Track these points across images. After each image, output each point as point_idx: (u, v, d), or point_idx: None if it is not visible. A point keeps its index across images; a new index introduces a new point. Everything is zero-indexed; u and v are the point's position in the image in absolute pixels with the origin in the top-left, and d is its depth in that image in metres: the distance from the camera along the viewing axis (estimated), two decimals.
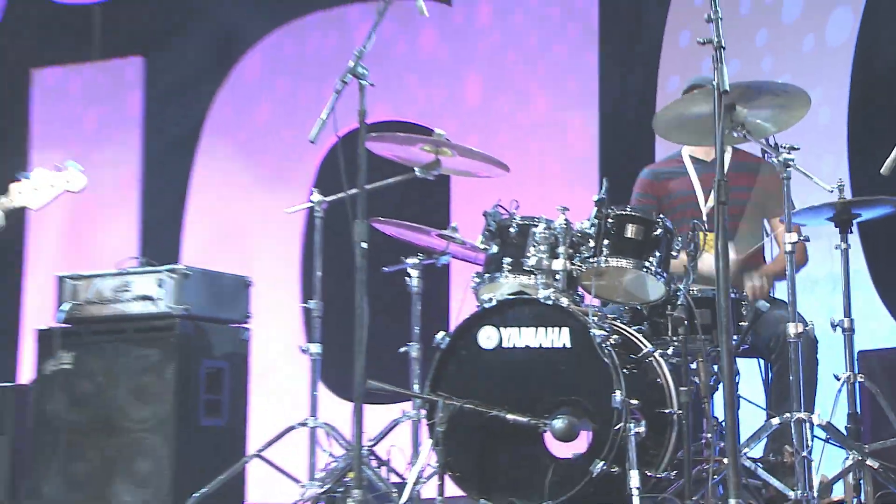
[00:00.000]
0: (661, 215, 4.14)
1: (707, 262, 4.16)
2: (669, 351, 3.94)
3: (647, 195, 4.70)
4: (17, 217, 3.96)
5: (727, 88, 3.35)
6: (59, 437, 4.71)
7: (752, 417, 4.19)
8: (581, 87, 6.39)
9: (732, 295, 3.96)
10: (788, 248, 3.88)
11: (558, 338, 3.79)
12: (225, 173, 7.26)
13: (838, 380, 3.91)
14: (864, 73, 5.66)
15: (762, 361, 4.34)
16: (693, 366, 3.76)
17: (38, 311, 6.62)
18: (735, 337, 3.92)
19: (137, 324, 4.72)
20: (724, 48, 3.37)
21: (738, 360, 4.16)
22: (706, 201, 4.48)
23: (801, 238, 4.06)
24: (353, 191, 3.99)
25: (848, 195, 3.99)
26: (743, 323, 4.03)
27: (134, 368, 4.65)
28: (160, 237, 7.20)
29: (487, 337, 3.91)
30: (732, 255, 4.28)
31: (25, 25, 7.92)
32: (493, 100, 6.67)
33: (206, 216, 7.25)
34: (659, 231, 3.96)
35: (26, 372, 6.54)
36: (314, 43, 7.14)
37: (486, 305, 3.97)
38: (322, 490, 4.31)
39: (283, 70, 7.23)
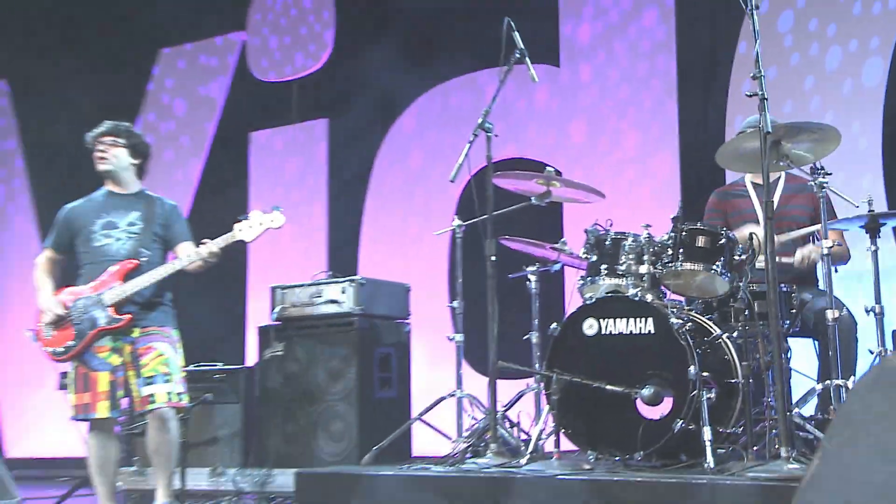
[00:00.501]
0: (726, 228, 4.15)
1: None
2: (735, 334, 3.89)
3: (716, 211, 4.65)
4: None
5: (769, 130, 3.39)
6: (277, 405, 4.84)
7: (806, 385, 4.15)
8: (663, 128, 6.30)
9: (784, 289, 3.96)
10: (825, 251, 3.87)
11: (645, 326, 3.82)
12: (389, 204, 7.31)
13: (872, 353, 3.87)
14: (894, 108, 5.56)
15: (815, 340, 4.28)
16: (753, 345, 3.75)
17: (259, 312, 6.69)
18: (786, 322, 3.91)
19: (328, 321, 4.81)
20: (766, 99, 3.41)
21: (793, 339, 4.11)
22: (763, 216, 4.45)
23: (836, 243, 4.04)
24: (484, 216, 4.15)
25: (882, 207, 3.91)
26: (793, 311, 4.00)
27: (327, 354, 4.75)
28: (342, 254, 7.25)
29: (590, 326, 3.96)
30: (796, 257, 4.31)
31: (244, 99, 8.14)
32: (593, 140, 6.60)
33: (376, 238, 7.30)
34: (723, 241, 3.93)
35: (251, 357, 6.75)
36: (455, 101, 7.12)
37: (588, 302, 4.01)
38: (468, 444, 4.33)
39: (431, 124, 7.22)
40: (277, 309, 4.94)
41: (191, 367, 4.95)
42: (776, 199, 4.37)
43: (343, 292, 4.79)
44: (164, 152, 8.41)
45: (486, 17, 6.59)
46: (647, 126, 6.45)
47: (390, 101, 7.47)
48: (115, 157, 4.29)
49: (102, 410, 4.10)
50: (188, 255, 4.13)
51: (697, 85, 6.31)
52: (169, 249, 4.32)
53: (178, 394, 4.11)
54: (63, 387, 5.94)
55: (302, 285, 4.92)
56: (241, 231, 4.05)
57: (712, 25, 6.30)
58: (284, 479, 4.46)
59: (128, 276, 4.12)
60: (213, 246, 4.05)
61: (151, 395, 4.04)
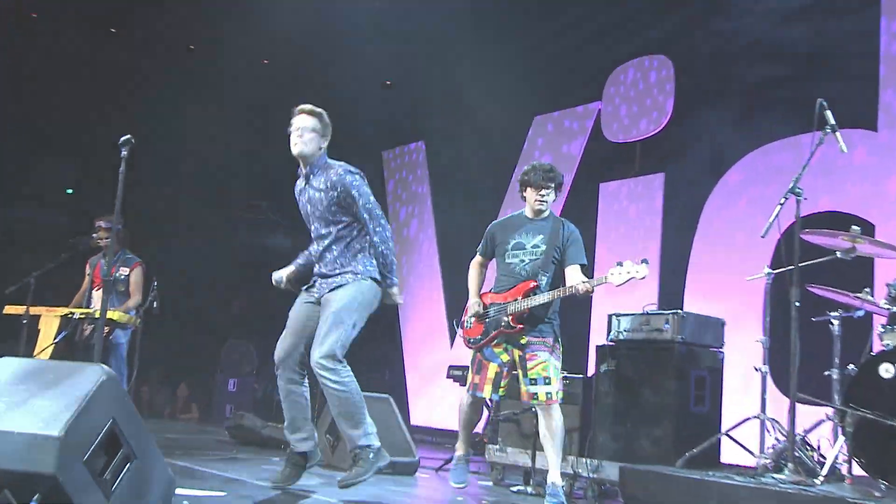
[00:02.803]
0: None
1: None
2: None
3: None
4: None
5: None
6: (608, 409, 4.86)
7: None
8: None
9: None
10: None
11: None
12: (714, 247, 7.13)
13: None
14: None
15: None
16: None
17: (598, 333, 6.77)
18: None
19: (654, 345, 4.81)
20: None
21: None
22: None
23: None
24: (790, 267, 4.09)
25: None
26: None
27: (650, 371, 4.74)
28: (671, 287, 7.19)
29: (886, 370, 3.79)
30: None
31: (596, 156, 8.40)
32: None
33: (700, 275, 7.18)
34: None
35: (590, 369, 6.99)
36: (777, 160, 6.85)
37: (886, 348, 3.85)
38: (769, 461, 4.24)
39: (755, 178, 7.00)
40: (612, 332, 5.06)
41: None
42: None
43: (667, 322, 4.82)
44: None
45: (809, 84, 6.39)
46: None
47: (719, 158, 7.36)
48: (550, 198, 4.43)
49: (486, 392, 4.37)
50: (573, 285, 4.18)
51: None
52: (563, 268, 4.36)
53: (557, 392, 4.26)
54: (451, 376, 6.64)
55: (634, 314, 4.99)
56: (612, 275, 4.08)
57: None
58: (611, 470, 4.56)
59: (527, 293, 4.30)
60: (588, 285, 4.14)
61: (535, 394, 4.24)
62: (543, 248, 4.34)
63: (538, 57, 9.11)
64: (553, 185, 4.40)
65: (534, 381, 4.24)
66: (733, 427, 4.61)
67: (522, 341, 4.31)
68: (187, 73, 10.20)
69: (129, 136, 3.88)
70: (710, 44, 7.69)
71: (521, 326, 4.30)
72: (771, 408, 4.66)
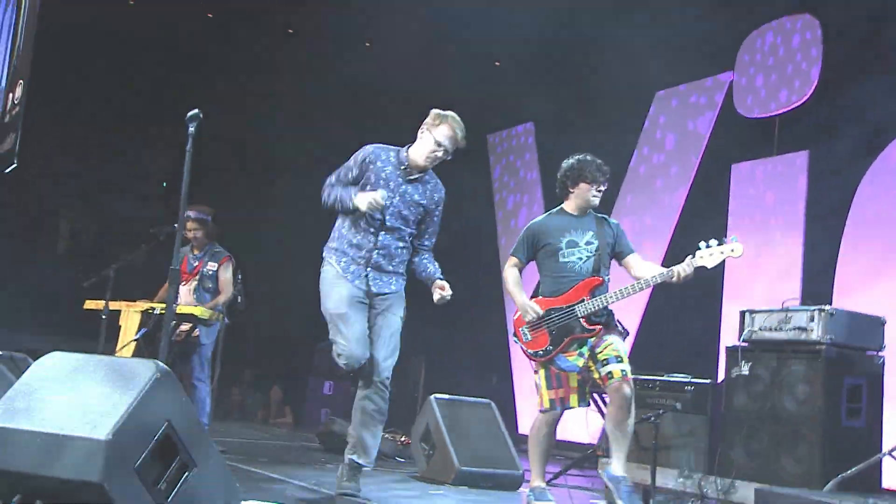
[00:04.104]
0: None
1: None
2: None
3: None
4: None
5: None
6: (742, 421, 4.64)
7: None
8: None
9: None
10: None
11: None
12: (870, 235, 6.57)
13: None
14: None
15: None
16: None
17: (731, 332, 6.23)
18: None
19: (795, 346, 4.51)
20: None
21: None
22: None
23: None
24: None
25: None
26: None
27: (792, 377, 4.45)
28: (817, 282, 6.69)
29: None
30: None
31: (728, 134, 7.95)
32: None
33: (853, 267, 6.62)
34: None
35: (721, 374, 6.61)
36: None
37: None
38: None
39: None
40: (746, 331, 4.75)
41: (664, 378, 4.98)
42: None
43: (812, 320, 4.46)
44: (656, 180, 8.58)
45: None
46: None
47: (876, 133, 6.78)
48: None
49: (573, 402, 4.31)
50: (658, 273, 4.12)
51: None
52: (619, 262, 4.38)
53: (630, 370, 4.18)
54: None
55: (772, 311, 4.68)
56: (702, 258, 3.99)
57: None
58: (745, 492, 4.30)
59: (593, 291, 4.23)
60: (681, 269, 4.02)
61: (609, 373, 4.15)
62: (596, 243, 4.32)
63: (660, 25, 8.68)
64: (607, 179, 4.39)
65: (605, 362, 4.19)
66: None
67: (591, 339, 4.23)
68: (289, 56, 10.29)
69: (196, 110, 3.77)
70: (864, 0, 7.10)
71: (599, 327, 4.22)
72: None
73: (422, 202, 4.23)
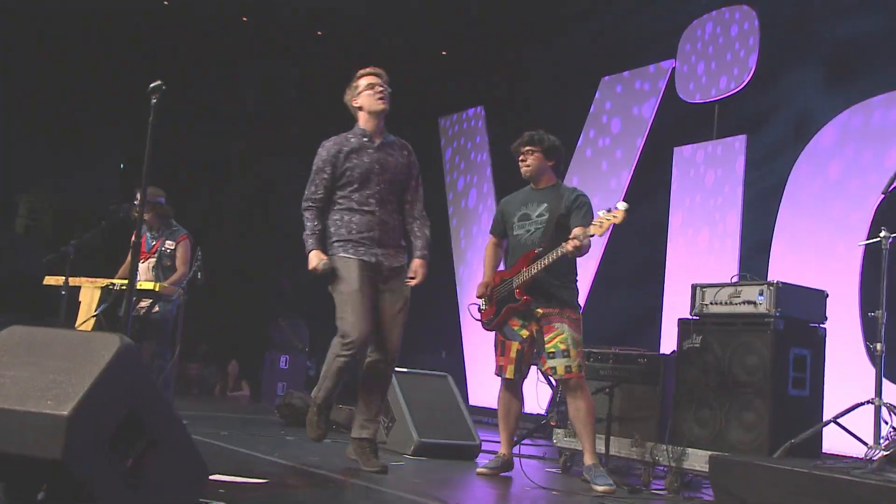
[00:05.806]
0: None
1: None
2: None
3: None
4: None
5: None
6: (693, 392, 4.49)
7: None
8: None
9: None
10: None
11: None
12: (803, 215, 6.58)
13: None
14: None
15: None
16: None
17: (674, 307, 6.38)
18: None
19: (745, 319, 4.36)
20: None
21: None
22: None
23: None
24: None
25: None
26: None
27: (741, 350, 4.32)
28: (753, 260, 6.63)
29: None
30: None
31: (670, 118, 7.88)
32: None
33: (787, 246, 6.61)
34: None
35: (665, 346, 6.54)
36: (878, 117, 6.24)
37: None
38: (885, 452, 3.65)
39: (850, 139, 6.40)
40: (697, 305, 4.61)
41: (616, 350, 4.88)
42: None
43: (761, 294, 4.34)
44: (602, 163, 8.48)
45: None
46: None
47: (809, 118, 6.78)
48: (533, 162, 4.34)
49: (509, 372, 4.32)
50: (560, 247, 4.02)
51: None
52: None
53: (577, 365, 4.13)
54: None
55: (722, 285, 4.54)
56: (594, 226, 3.93)
57: None
58: (696, 459, 4.20)
59: (530, 263, 4.17)
60: (577, 240, 3.93)
61: (553, 368, 4.14)
62: (547, 216, 4.24)
63: (605, 14, 8.57)
64: (530, 149, 4.32)
65: (551, 355, 4.13)
66: (843, 413, 4.09)
67: (538, 314, 4.17)
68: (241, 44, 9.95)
69: (159, 81, 3.50)
70: None
71: (527, 298, 4.17)
72: (887, 392, 4.18)
73: (400, 160, 4.18)
